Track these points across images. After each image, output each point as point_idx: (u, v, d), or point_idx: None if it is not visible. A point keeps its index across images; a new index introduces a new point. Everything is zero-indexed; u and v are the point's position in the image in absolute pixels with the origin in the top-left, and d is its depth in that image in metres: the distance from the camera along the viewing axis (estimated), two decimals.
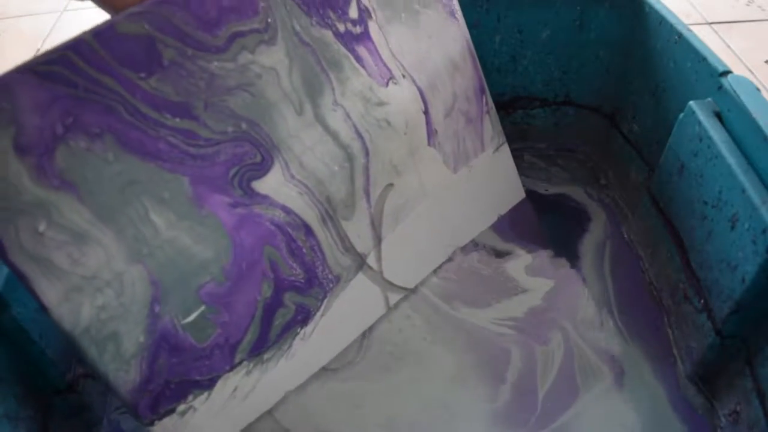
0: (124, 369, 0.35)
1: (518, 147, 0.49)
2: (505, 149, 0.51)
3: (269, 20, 0.36)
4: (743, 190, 0.35)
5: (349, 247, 0.43)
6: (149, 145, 0.34)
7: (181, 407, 0.38)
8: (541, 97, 0.58)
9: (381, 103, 0.43)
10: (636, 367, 0.43)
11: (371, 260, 0.45)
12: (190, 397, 0.38)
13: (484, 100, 0.48)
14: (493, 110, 0.49)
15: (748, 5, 0.97)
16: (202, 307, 0.38)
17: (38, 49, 0.94)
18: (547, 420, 0.41)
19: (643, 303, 0.47)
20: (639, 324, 0.46)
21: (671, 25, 0.44)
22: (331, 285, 0.43)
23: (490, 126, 0.49)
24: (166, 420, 0.38)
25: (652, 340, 0.45)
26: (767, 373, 0.35)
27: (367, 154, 0.43)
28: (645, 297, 0.47)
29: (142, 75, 0.33)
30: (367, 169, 0.43)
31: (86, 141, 0.32)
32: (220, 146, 0.36)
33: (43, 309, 0.33)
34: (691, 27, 0.44)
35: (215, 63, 0.35)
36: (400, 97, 0.43)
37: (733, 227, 0.36)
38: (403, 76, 0.43)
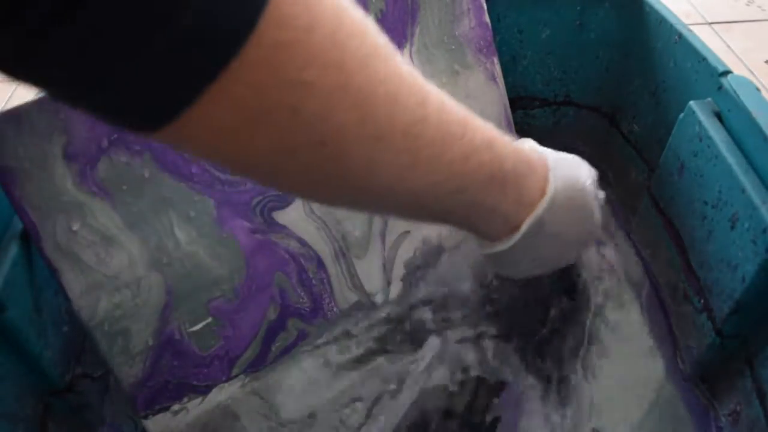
0: (128, 364, 0.39)
1: None
2: None
3: None
4: (743, 190, 0.34)
5: (358, 285, 0.45)
6: (183, 167, 0.37)
7: (176, 407, 0.41)
8: (541, 97, 0.57)
9: None
10: (635, 367, 0.43)
11: (378, 300, 0.46)
12: (185, 399, 0.41)
13: None
14: None
15: (748, 5, 0.96)
16: (209, 319, 0.40)
17: None
18: None
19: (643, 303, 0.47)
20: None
21: (671, 25, 0.44)
22: (335, 318, 0.45)
23: None
24: (160, 416, 0.40)
25: (652, 340, 0.44)
26: (767, 373, 0.35)
27: None
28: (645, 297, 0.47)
29: None
30: None
31: (127, 156, 0.35)
32: None
33: (66, 299, 0.37)
34: (691, 27, 0.44)
35: None
36: None
37: (733, 227, 0.36)
38: None
